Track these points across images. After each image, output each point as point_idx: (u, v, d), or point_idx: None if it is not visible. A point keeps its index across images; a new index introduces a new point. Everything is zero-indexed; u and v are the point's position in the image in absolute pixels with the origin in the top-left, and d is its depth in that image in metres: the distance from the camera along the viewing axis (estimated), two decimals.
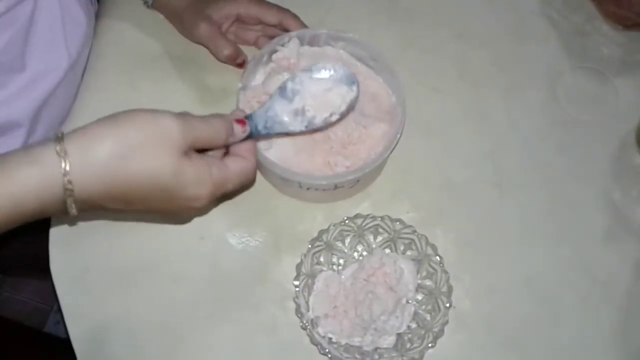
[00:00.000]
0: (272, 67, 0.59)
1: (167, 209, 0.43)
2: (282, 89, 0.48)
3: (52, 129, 0.63)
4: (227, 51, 0.61)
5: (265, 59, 0.59)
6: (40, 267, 0.58)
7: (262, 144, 0.55)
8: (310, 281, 0.54)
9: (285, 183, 0.56)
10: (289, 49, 0.58)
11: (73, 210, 0.40)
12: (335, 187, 0.55)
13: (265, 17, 0.62)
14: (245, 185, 0.47)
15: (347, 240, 0.57)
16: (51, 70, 0.60)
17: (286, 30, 0.61)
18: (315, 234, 0.55)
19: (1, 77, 0.56)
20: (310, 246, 0.54)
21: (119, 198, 0.41)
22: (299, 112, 0.48)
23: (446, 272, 0.53)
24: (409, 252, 0.56)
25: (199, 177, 0.42)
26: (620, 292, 0.58)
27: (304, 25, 0.62)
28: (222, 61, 0.63)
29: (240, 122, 0.46)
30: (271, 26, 0.64)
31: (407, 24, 0.71)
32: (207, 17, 0.61)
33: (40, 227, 0.57)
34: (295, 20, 0.61)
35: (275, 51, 0.59)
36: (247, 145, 0.47)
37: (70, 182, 0.38)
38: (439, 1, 0.73)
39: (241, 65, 0.63)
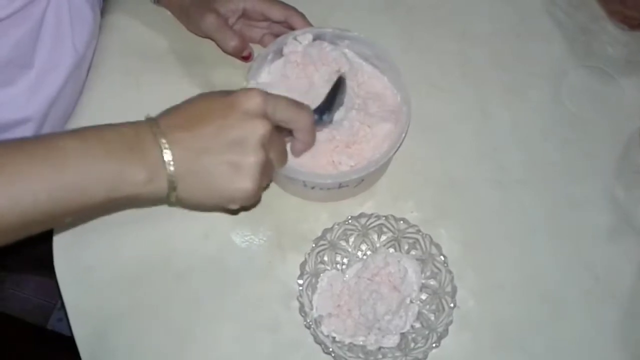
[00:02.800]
0: (284, 60, 0.60)
1: (222, 116, 0.45)
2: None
3: (58, 125, 0.63)
4: (233, 42, 0.61)
5: (270, 57, 0.59)
6: (43, 263, 0.58)
7: None
8: (314, 280, 0.54)
9: (289, 182, 0.56)
10: (301, 44, 0.59)
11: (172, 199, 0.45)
12: (340, 186, 0.55)
13: (270, 14, 0.62)
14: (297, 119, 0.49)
15: (351, 240, 0.57)
16: (57, 67, 0.60)
17: (291, 28, 0.61)
18: (319, 233, 0.54)
19: (12, 73, 0.56)
20: (314, 245, 0.54)
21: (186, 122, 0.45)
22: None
23: (450, 272, 0.53)
24: (413, 252, 0.56)
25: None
26: (623, 290, 0.58)
27: (309, 24, 0.62)
28: (228, 53, 0.63)
29: None
30: (276, 23, 0.64)
31: (410, 23, 0.71)
32: (214, 10, 0.61)
33: None
34: (301, 18, 0.61)
35: (281, 49, 0.59)
36: None
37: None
38: (442, 0, 0.73)
39: (247, 58, 0.64)
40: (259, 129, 0.45)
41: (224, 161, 0.44)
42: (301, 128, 0.50)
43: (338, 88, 0.56)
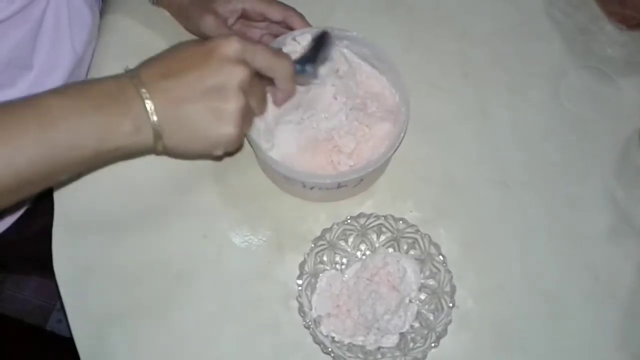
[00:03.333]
0: None
1: (200, 63, 0.45)
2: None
3: None
4: None
5: None
6: (43, 264, 0.58)
7: (264, 144, 0.55)
8: (313, 280, 0.54)
9: (288, 182, 0.56)
10: (300, 45, 0.58)
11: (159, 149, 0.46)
12: (339, 186, 0.55)
13: (270, 14, 0.62)
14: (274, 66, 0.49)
15: (350, 240, 0.57)
16: (57, 68, 0.60)
17: (290, 29, 0.61)
18: (318, 233, 0.54)
19: (12, 74, 0.57)
20: (313, 245, 0.54)
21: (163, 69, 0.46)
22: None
23: (449, 272, 0.53)
24: (412, 252, 0.56)
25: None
26: (623, 290, 0.58)
27: (308, 24, 0.62)
28: None
29: None
30: (275, 24, 0.64)
31: (410, 23, 0.71)
32: (213, 10, 0.61)
33: (43, 225, 0.58)
34: (300, 18, 0.61)
35: (279, 49, 0.59)
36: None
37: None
38: (442, 0, 0.73)
39: None
40: (238, 74, 0.45)
41: (205, 108, 0.45)
42: (281, 76, 0.50)
43: (323, 41, 0.55)
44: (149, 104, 0.44)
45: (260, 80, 0.49)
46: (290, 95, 0.53)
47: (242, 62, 0.46)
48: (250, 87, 0.47)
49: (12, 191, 0.43)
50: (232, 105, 0.45)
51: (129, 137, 0.44)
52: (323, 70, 0.56)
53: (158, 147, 0.46)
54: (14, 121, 0.42)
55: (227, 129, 0.46)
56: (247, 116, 0.48)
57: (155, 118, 0.44)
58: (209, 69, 0.45)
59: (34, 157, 0.42)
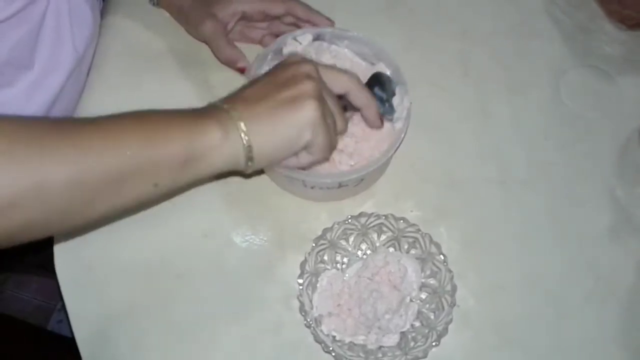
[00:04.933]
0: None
1: (275, 73, 0.50)
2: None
3: None
4: (227, 53, 0.61)
5: (270, 57, 0.59)
6: (44, 264, 0.58)
7: None
8: (314, 279, 0.54)
9: (289, 181, 0.56)
10: (301, 45, 0.59)
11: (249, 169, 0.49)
12: (340, 185, 0.55)
13: (271, 10, 0.61)
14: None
15: (351, 239, 0.57)
16: (58, 68, 0.60)
17: (294, 24, 0.61)
18: (319, 233, 0.55)
19: (12, 74, 0.57)
20: (314, 245, 0.54)
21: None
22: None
23: (450, 271, 0.53)
24: (413, 251, 0.56)
25: None
26: (624, 289, 0.58)
27: (312, 11, 0.61)
28: (222, 63, 0.63)
29: None
30: (277, 21, 0.63)
31: (411, 22, 0.71)
32: (212, 15, 0.61)
33: None
34: (303, 7, 0.61)
35: (280, 49, 0.59)
36: None
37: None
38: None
39: (242, 70, 0.63)
40: (306, 67, 0.49)
41: (282, 98, 0.47)
42: (359, 98, 0.52)
43: (377, 81, 0.57)
44: (230, 108, 0.47)
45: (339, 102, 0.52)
46: (377, 124, 0.55)
47: (313, 77, 0.49)
48: (325, 91, 0.49)
49: (113, 190, 0.44)
50: (305, 87, 0.47)
51: (219, 144, 0.46)
52: (395, 101, 0.57)
53: (246, 155, 0.47)
54: (114, 121, 0.44)
55: (306, 110, 0.47)
56: (326, 113, 0.49)
57: (236, 113, 0.46)
58: (279, 71, 0.49)
59: (137, 150, 0.43)
